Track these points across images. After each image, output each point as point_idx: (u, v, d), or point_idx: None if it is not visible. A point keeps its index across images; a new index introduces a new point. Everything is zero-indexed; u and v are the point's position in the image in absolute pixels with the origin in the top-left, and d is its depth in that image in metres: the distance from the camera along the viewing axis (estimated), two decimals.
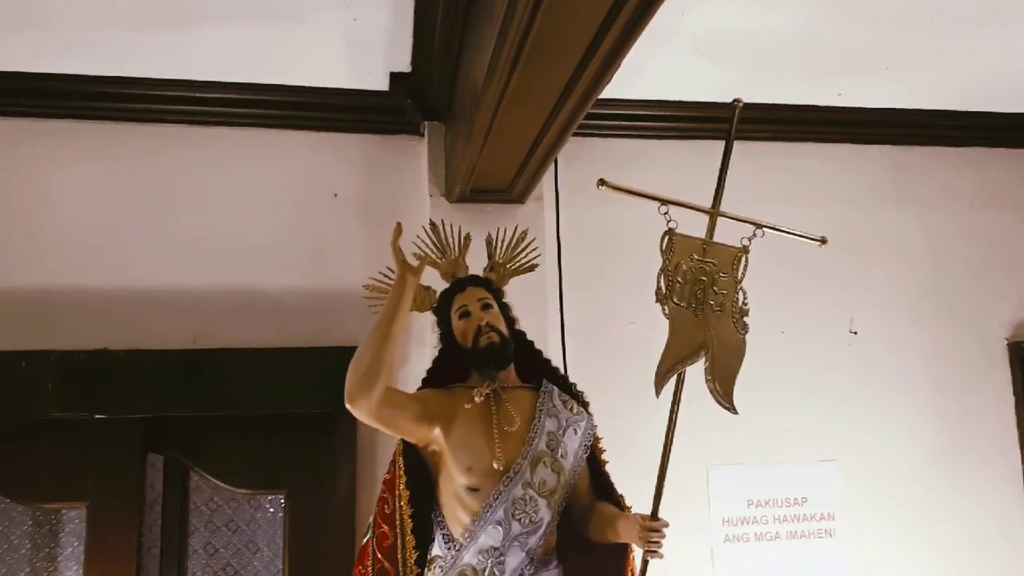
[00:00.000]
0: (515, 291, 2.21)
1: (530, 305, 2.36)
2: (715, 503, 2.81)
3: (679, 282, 1.78)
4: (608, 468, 2.08)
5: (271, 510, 2.65)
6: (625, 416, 2.55)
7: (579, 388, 2.14)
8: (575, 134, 2.72)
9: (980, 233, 3.12)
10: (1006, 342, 3.06)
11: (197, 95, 2.65)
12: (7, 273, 2.53)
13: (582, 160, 2.80)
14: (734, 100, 1.89)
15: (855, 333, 2.98)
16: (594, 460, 2.06)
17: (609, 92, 2.71)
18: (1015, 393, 3.04)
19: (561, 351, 2.68)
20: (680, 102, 2.87)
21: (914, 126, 3.06)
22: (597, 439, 2.09)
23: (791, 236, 1.88)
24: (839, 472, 2.89)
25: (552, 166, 2.73)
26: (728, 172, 1.94)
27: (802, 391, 2.90)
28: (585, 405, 2.11)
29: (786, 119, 2.95)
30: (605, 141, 2.89)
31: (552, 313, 2.75)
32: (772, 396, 2.87)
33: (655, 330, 1.85)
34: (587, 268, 2.81)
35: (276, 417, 2.58)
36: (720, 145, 1.95)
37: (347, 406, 1.85)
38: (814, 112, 2.95)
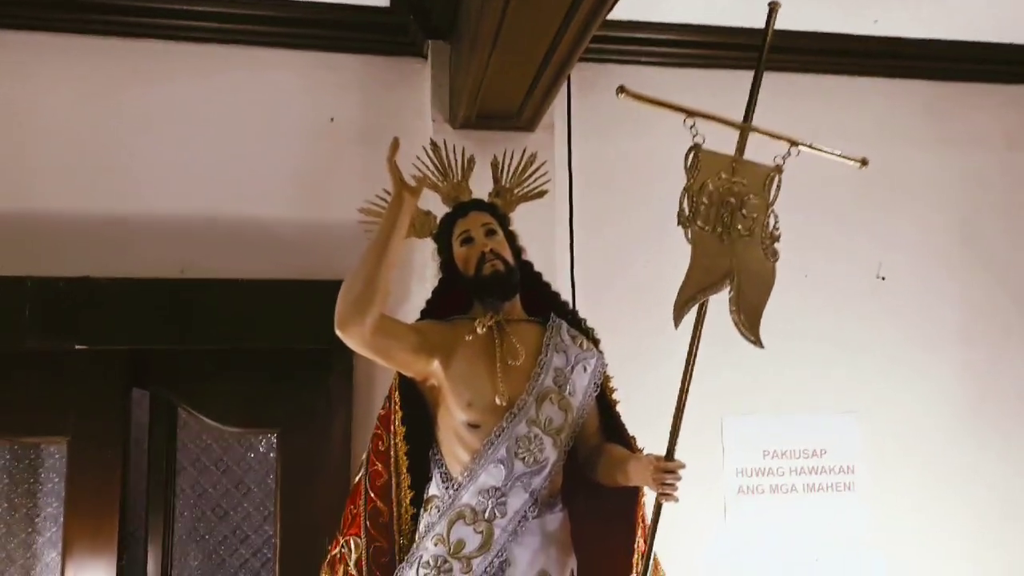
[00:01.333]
0: (522, 227, 2.05)
1: (538, 242, 2.19)
2: (729, 453, 2.68)
3: (704, 203, 1.61)
4: (618, 409, 1.94)
5: (262, 450, 2.53)
6: (637, 360, 2.41)
7: (589, 325, 2.00)
8: (590, 58, 2.55)
9: (1018, 175, 2.93)
10: None
11: (187, 8, 2.47)
12: None
13: (597, 89, 2.61)
14: (770, 2, 1.69)
15: (882, 279, 2.81)
16: (604, 399, 1.92)
17: (629, 14, 2.54)
18: None
19: (570, 291, 2.52)
20: (705, 27, 2.66)
21: (952, 59, 2.86)
22: (608, 377, 1.94)
23: (829, 156, 1.70)
24: (860, 424, 2.75)
25: (565, 92, 2.56)
26: (760, 89, 1.76)
27: (824, 339, 2.75)
28: (596, 342, 1.96)
29: (817, 48, 2.75)
30: (622, 68, 2.69)
31: (561, 251, 2.60)
32: (792, 343, 2.70)
33: (675, 268, 1.69)
34: (600, 204, 2.65)
35: (268, 353, 2.44)
36: (747, 75, 1.75)
37: (338, 332, 1.70)
38: (847, 41, 2.75)
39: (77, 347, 2.30)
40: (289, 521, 2.42)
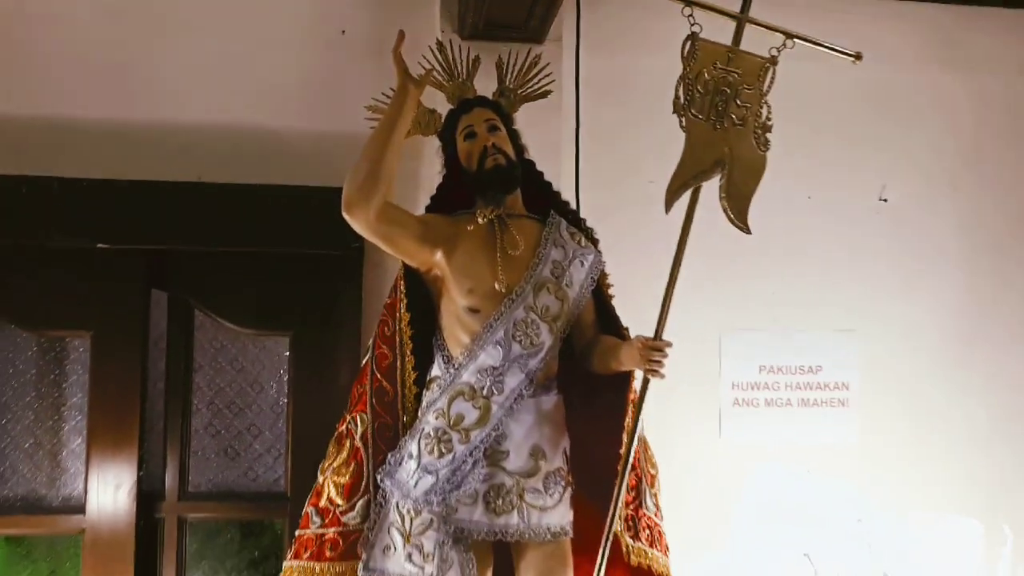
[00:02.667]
0: (530, 139, 2.09)
1: (544, 156, 2.25)
2: (726, 367, 2.76)
3: (699, 92, 1.66)
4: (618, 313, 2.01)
5: (276, 350, 2.63)
6: (636, 275, 2.47)
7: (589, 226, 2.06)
8: None
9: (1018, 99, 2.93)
10: None
11: None
12: (6, 98, 2.47)
13: (605, 1, 2.64)
14: None
15: (885, 200, 2.84)
16: (600, 294, 1.99)
17: None
18: None
19: (575, 200, 2.57)
20: None
21: None
22: (605, 275, 2.01)
23: (822, 49, 1.74)
24: (858, 343, 2.81)
25: (574, 5, 2.58)
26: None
27: (824, 258, 2.80)
28: (594, 241, 2.02)
29: None
30: None
31: (567, 167, 2.64)
32: (792, 261, 2.77)
33: None
34: (608, 117, 2.68)
35: (282, 257, 2.54)
36: None
37: (345, 215, 1.79)
38: None
39: (99, 246, 2.41)
40: (300, 418, 2.54)
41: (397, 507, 1.80)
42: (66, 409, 2.50)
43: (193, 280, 2.56)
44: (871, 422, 2.78)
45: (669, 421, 2.54)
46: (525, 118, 2.13)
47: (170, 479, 2.53)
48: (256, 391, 2.63)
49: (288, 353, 2.61)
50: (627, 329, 1.94)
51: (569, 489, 1.86)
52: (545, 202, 2.03)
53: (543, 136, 2.23)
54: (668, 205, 1.67)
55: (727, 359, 2.75)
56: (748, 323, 2.76)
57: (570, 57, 2.61)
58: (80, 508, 2.42)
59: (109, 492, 2.44)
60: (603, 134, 2.67)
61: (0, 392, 2.47)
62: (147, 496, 2.48)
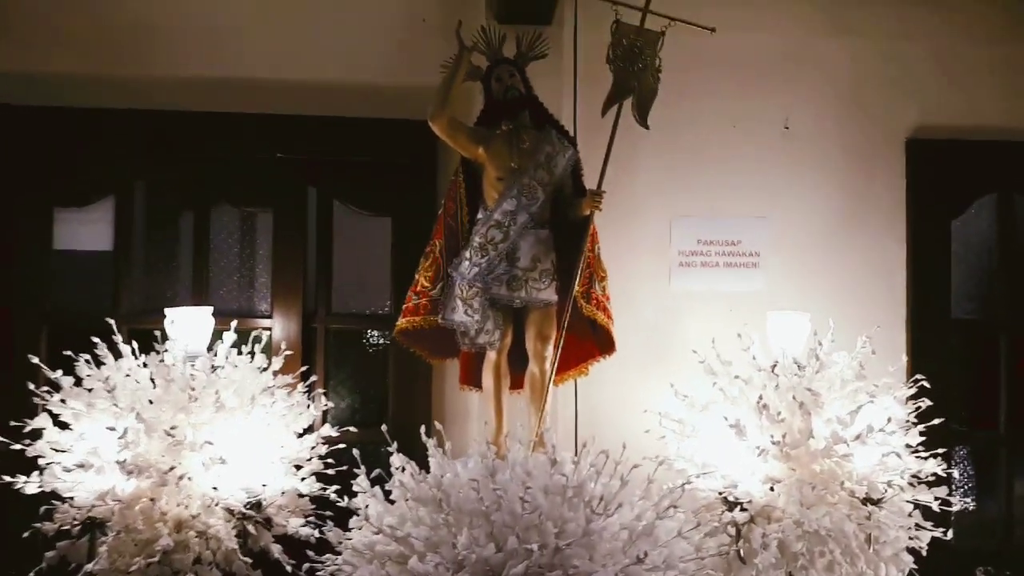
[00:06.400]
0: (542, 87, 3.49)
1: (551, 96, 3.63)
2: (675, 239, 4.13)
3: (621, 51, 3.07)
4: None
5: (383, 225, 4.16)
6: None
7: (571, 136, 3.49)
8: None
9: (888, 58, 4.19)
10: (904, 139, 4.20)
11: None
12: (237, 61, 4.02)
13: None
14: None
15: (787, 128, 4.17)
16: (576, 174, 3.42)
17: None
18: (907, 176, 4.19)
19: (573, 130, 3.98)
20: None
21: None
22: (579, 162, 3.43)
23: (688, 25, 3.11)
24: (768, 224, 4.15)
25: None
26: None
27: (745, 164, 4.10)
28: (572, 142, 3.45)
29: None
30: None
31: (567, 105, 4.02)
32: (723, 167, 4.10)
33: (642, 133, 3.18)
34: (594, 74, 3.96)
35: (386, 165, 4.05)
36: None
37: (429, 123, 3.26)
38: None
39: (278, 155, 3.97)
40: (397, 269, 4.05)
41: (457, 285, 3.28)
42: (259, 258, 4.09)
43: (332, 180, 4.10)
44: (773, 278, 4.13)
45: (636, 276, 4.00)
46: (541, 71, 3.54)
47: (320, 304, 4.09)
48: (372, 252, 4.16)
49: (390, 227, 4.13)
50: (590, 191, 3.37)
51: (555, 281, 3.30)
52: (544, 120, 3.46)
53: (551, 84, 3.65)
54: (603, 112, 3.11)
55: (675, 234, 4.13)
56: (690, 210, 4.12)
57: (569, 32, 4.00)
58: (269, 315, 4.01)
59: (284, 309, 4.01)
60: (591, 83, 4.04)
61: (220, 243, 4.07)
62: (308, 314, 4.05)
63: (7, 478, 2.92)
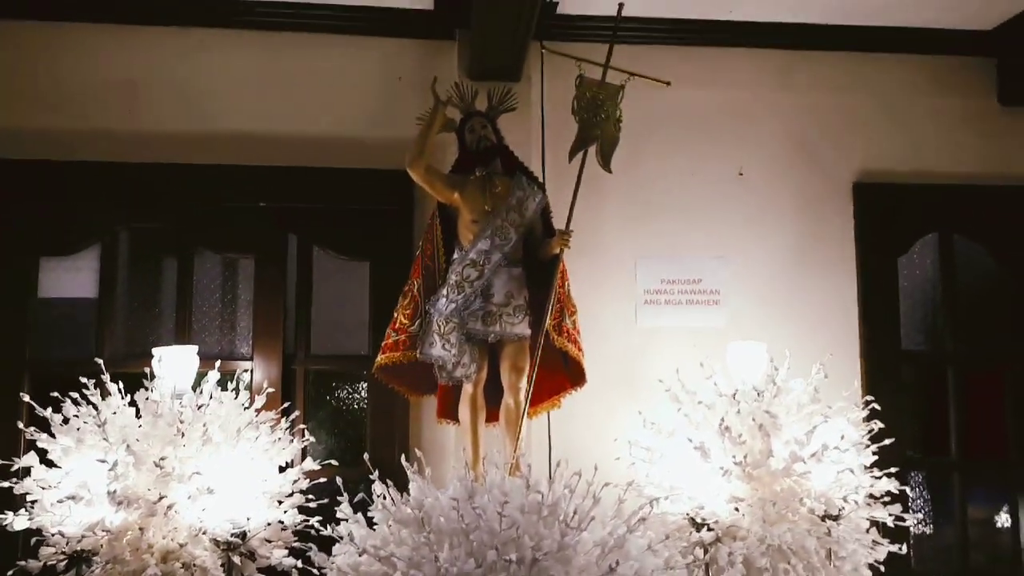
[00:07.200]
0: (513, 137, 3.77)
1: (520, 144, 3.91)
2: (640, 279, 4.36)
3: (585, 103, 3.33)
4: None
5: (361, 269, 4.33)
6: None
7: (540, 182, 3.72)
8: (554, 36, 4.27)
9: (835, 109, 4.54)
10: (851, 183, 4.51)
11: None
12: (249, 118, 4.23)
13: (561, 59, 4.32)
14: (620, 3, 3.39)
15: (742, 175, 4.46)
16: (546, 216, 3.65)
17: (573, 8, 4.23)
18: (855, 217, 4.49)
19: (541, 175, 4.23)
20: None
21: (793, 35, 4.47)
22: (548, 205, 3.67)
23: (646, 80, 3.39)
24: (726, 264, 4.40)
25: (540, 58, 4.27)
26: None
27: (704, 208, 4.39)
28: (541, 187, 3.68)
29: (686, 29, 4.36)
30: (580, 44, 4.39)
31: (535, 152, 4.30)
32: (684, 211, 4.38)
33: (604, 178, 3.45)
34: (559, 124, 4.27)
35: (365, 211, 4.24)
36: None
37: (408, 170, 3.48)
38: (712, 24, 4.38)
39: (260, 204, 4.15)
40: (375, 309, 4.20)
41: (435, 321, 3.45)
42: (240, 302, 4.22)
43: (311, 226, 4.28)
44: (733, 313, 4.37)
45: (605, 312, 4.21)
46: (512, 122, 3.81)
47: (300, 346, 4.22)
48: (350, 295, 4.32)
49: (368, 271, 4.30)
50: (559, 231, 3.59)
51: (528, 316, 3.49)
52: (514, 166, 3.70)
53: (520, 134, 3.91)
54: (570, 158, 3.35)
55: (640, 273, 4.36)
56: (654, 251, 4.37)
57: (537, 88, 4.30)
58: (249, 358, 4.12)
59: (264, 352, 4.13)
60: (558, 132, 4.32)
61: (202, 288, 4.20)
62: (288, 356, 4.17)
63: None
